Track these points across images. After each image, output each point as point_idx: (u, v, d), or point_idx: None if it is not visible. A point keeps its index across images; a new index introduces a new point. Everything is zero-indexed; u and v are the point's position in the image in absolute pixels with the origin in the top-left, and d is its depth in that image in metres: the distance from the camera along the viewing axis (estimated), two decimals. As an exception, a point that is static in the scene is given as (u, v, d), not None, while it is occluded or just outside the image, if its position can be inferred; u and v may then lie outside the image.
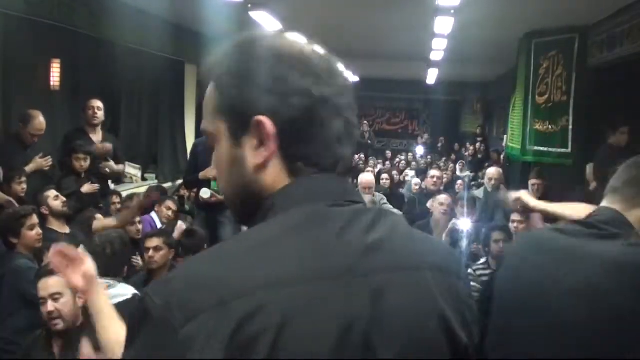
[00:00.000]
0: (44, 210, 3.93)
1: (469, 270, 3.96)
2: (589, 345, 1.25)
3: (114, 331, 1.55)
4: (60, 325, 2.42)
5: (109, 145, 4.90)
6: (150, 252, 3.42)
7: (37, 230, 3.37)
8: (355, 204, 0.79)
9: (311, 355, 0.66)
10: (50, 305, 2.43)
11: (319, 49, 0.84)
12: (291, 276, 0.69)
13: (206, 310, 0.65)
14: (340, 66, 0.84)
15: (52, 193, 3.97)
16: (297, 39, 0.84)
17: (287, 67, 0.77)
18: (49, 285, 2.47)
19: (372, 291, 0.72)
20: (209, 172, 4.54)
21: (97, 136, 4.95)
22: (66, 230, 3.99)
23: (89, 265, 1.65)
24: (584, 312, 1.27)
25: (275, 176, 0.78)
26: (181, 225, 4.82)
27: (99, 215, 4.19)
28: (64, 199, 4.00)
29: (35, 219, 3.38)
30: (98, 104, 4.91)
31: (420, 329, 0.74)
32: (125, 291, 2.97)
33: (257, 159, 0.77)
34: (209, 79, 0.82)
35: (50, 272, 2.51)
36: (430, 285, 0.77)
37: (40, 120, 4.38)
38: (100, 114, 4.93)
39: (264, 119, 0.75)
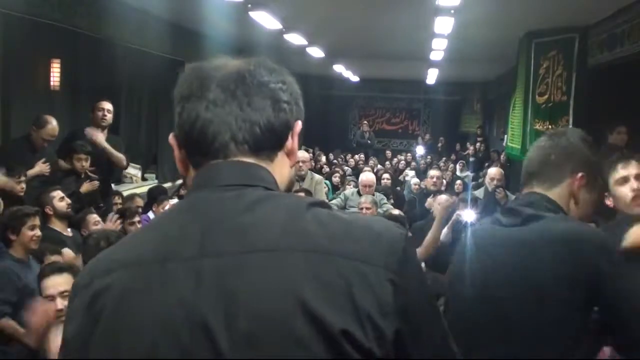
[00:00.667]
0: (48, 210, 3.94)
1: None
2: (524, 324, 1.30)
3: None
4: None
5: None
6: None
7: (36, 232, 3.37)
8: (245, 188, 0.81)
9: (144, 335, 0.72)
10: (60, 303, 2.41)
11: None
12: (137, 258, 0.77)
13: (84, 287, 0.79)
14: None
15: (58, 194, 3.97)
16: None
17: (185, 100, 0.90)
18: (58, 282, 2.46)
19: (217, 272, 0.73)
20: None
21: (101, 137, 4.94)
22: (69, 232, 4.00)
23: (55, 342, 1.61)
24: (518, 297, 1.31)
25: (191, 174, 0.87)
26: None
27: (94, 215, 4.19)
28: (69, 200, 4.00)
29: (37, 220, 3.38)
30: (108, 106, 4.89)
31: (269, 312, 0.70)
32: None
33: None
34: None
35: (60, 270, 2.51)
36: (293, 267, 0.73)
37: (53, 125, 4.39)
38: (110, 117, 4.89)
39: (170, 138, 0.93)
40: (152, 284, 0.74)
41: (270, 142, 0.84)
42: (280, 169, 0.87)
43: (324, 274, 0.72)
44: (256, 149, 0.83)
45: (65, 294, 2.44)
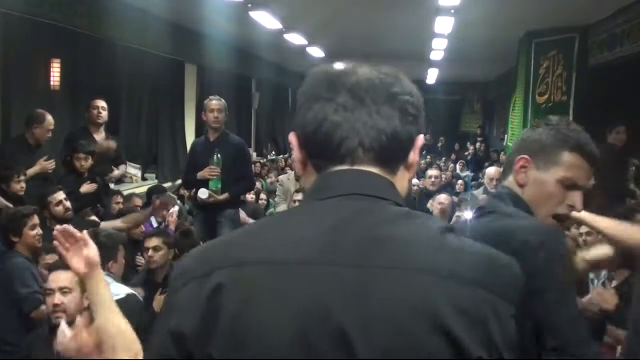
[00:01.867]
0: (45, 213, 3.93)
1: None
2: None
3: (114, 323, 1.54)
4: (61, 319, 2.41)
5: (112, 143, 4.90)
6: (150, 252, 3.42)
7: (38, 230, 3.37)
8: (378, 200, 0.81)
9: (276, 335, 0.71)
10: (58, 298, 2.42)
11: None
12: (268, 257, 0.76)
13: (195, 279, 0.77)
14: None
15: (55, 198, 3.93)
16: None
17: (314, 100, 0.85)
18: (60, 278, 2.47)
19: (356, 282, 0.73)
20: (207, 172, 4.53)
21: (100, 136, 4.95)
22: None
23: (93, 250, 1.62)
24: None
25: (309, 175, 0.87)
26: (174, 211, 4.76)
27: (91, 218, 4.19)
28: (68, 204, 3.99)
29: (36, 219, 3.38)
30: (102, 103, 4.92)
31: (406, 327, 0.72)
32: (119, 290, 2.97)
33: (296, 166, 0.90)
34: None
35: (64, 267, 2.52)
36: (431, 289, 0.74)
37: (50, 117, 4.44)
38: (105, 114, 4.94)
39: (291, 135, 0.88)
40: (286, 285, 0.73)
41: (395, 152, 0.84)
42: (401, 182, 0.87)
43: (460, 301, 0.74)
44: (381, 159, 0.83)
45: (65, 290, 2.44)
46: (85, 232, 1.73)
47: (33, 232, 3.33)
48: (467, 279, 0.75)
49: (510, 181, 1.46)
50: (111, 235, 3.22)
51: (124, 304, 2.92)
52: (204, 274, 0.76)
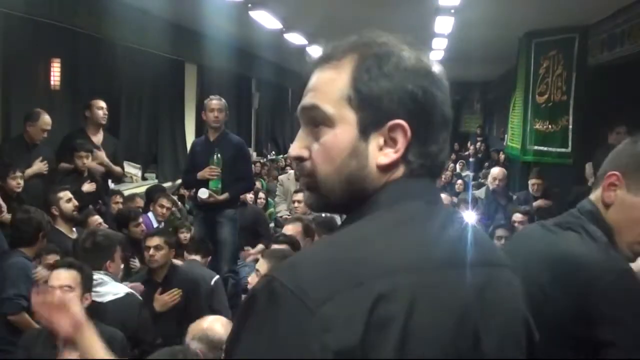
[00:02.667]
0: (54, 211, 3.95)
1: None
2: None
3: None
4: None
5: (101, 155, 4.85)
6: (151, 251, 3.42)
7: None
8: (435, 203, 0.85)
9: (435, 342, 0.71)
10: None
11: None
12: (415, 263, 0.74)
13: (342, 291, 0.68)
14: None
15: (66, 195, 3.97)
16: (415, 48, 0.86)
17: (425, 77, 0.82)
18: (62, 276, 2.49)
19: (477, 283, 0.77)
20: (207, 172, 4.53)
21: (97, 137, 4.93)
22: (74, 233, 4.00)
23: (76, 310, 1.58)
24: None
25: (390, 175, 0.82)
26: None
27: (96, 217, 4.20)
28: (76, 202, 4.01)
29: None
30: (102, 104, 4.90)
31: (512, 325, 0.81)
32: (117, 289, 2.97)
33: (384, 160, 0.81)
34: (325, 61, 0.86)
35: (69, 265, 2.54)
36: (515, 284, 0.84)
37: (47, 116, 4.42)
38: (105, 115, 4.92)
39: (404, 124, 0.80)
40: (438, 290, 0.74)
41: None
42: None
43: (522, 292, 0.86)
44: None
45: (66, 289, 2.45)
46: (59, 294, 1.70)
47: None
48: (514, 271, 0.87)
49: (597, 196, 1.32)
50: (108, 235, 3.21)
51: (123, 303, 2.93)
52: (355, 285, 0.69)
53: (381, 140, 0.81)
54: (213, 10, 6.61)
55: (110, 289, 2.94)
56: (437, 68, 0.85)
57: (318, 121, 0.82)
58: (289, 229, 3.50)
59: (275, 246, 3.37)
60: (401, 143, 0.80)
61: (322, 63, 0.86)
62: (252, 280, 2.65)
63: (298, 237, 3.34)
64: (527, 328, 0.83)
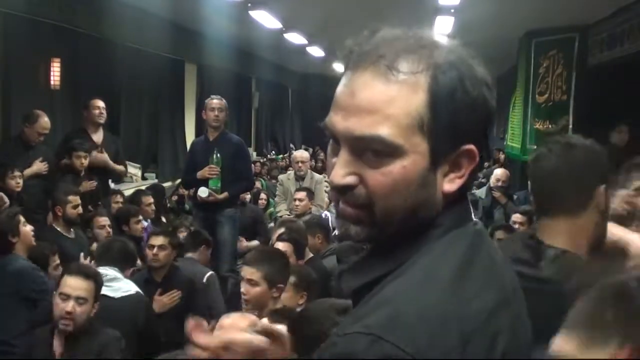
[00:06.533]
0: (57, 211, 3.94)
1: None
2: None
3: None
4: (70, 327, 2.41)
5: (103, 156, 4.83)
6: (155, 250, 3.41)
7: (29, 226, 3.30)
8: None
9: None
10: (71, 306, 2.40)
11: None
12: (496, 302, 0.71)
13: (452, 353, 0.64)
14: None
15: (75, 201, 3.96)
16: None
17: (488, 92, 0.75)
18: (79, 287, 2.44)
19: (523, 307, 0.79)
20: (206, 172, 4.54)
21: (98, 136, 4.92)
22: (71, 233, 4.00)
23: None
24: None
25: (451, 200, 0.75)
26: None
27: (103, 218, 4.20)
28: (81, 210, 4.01)
29: (21, 217, 3.27)
30: (101, 104, 4.88)
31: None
32: (128, 287, 3.00)
33: (450, 187, 0.74)
34: (385, 70, 0.71)
35: (87, 276, 2.49)
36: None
37: (45, 119, 4.39)
38: (104, 114, 4.90)
39: (474, 149, 0.73)
40: (516, 325, 0.74)
41: None
42: None
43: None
44: None
45: (81, 300, 2.42)
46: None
47: (27, 228, 3.26)
48: None
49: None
50: (125, 243, 3.28)
51: (133, 301, 2.95)
52: (462, 343, 0.66)
53: (447, 167, 0.73)
54: (213, 10, 6.61)
55: (123, 285, 2.97)
56: (490, 76, 0.77)
57: (378, 150, 0.70)
58: (280, 246, 3.24)
59: (278, 243, 3.33)
60: (466, 168, 0.74)
61: (377, 69, 0.71)
62: (248, 291, 2.48)
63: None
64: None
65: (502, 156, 10.14)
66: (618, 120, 5.42)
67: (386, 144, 0.69)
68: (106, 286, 2.74)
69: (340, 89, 0.74)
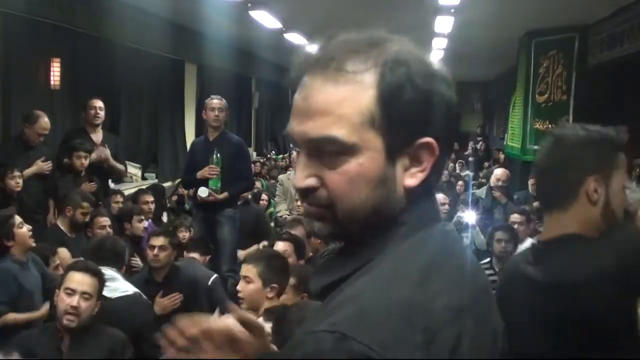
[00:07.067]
0: (67, 212, 3.98)
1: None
2: None
3: None
4: (74, 323, 2.41)
5: (106, 152, 4.83)
6: (155, 251, 3.41)
7: (27, 226, 3.21)
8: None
9: None
10: (76, 301, 2.40)
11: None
12: (464, 302, 0.70)
13: (419, 348, 0.63)
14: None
15: (87, 208, 3.99)
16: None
17: (445, 87, 0.75)
18: (85, 282, 2.45)
19: (488, 308, 0.78)
20: (206, 172, 4.54)
21: (97, 136, 4.92)
22: (73, 235, 4.01)
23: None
24: None
25: (415, 197, 0.75)
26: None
27: (104, 218, 4.20)
28: (88, 218, 4.03)
29: (18, 217, 3.19)
30: (99, 103, 4.86)
31: (499, 341, 0.79)
32: (126, 287, 3.00)
33: (412, 181, 0.74)
34: (334, 71, 0.72)
35: (92, 272, 2.49)
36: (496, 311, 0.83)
37: (45, 120, 4.38)
38: (102, 114, 4.88)
39: (432, 141, 0.73)
40: (481, 325, 0.72)
41: None
42: None
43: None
44: None
45: (86, 295, 2.42)
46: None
47: (23, 229, 3.17)
48: None
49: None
50: (117, 241, 3.27)
51: (132, 301, 2.95)
52: (427, 340, 0.65)
53: (407, 161, 0.73)
54: (213, 10, 6.61)
55: (120, 285, 2.97)
56: (448, 71, 0.77)
57: (333, 151, 0.71)
58: (280, 245, 3.29)
59: (278, 243, 3.35)
60: (427, 161, 0.73)
61: (326, 72, 0.73)
62: (243, 288, 2.53)
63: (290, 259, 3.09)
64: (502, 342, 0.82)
65: (502, 156, 10.14)
66: (617, 120, 5.41)
67: (340, 144, 0.71)
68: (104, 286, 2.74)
69: (296, 96, 0.77)
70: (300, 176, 0.74)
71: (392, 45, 0.74)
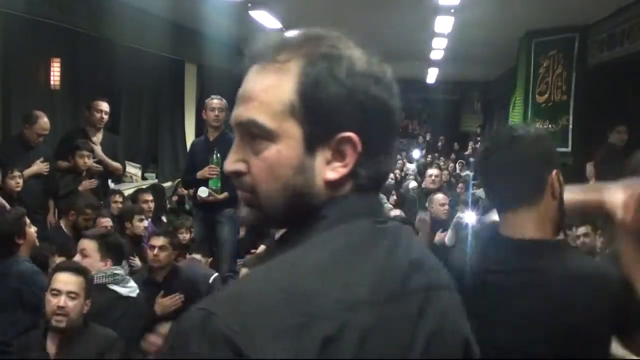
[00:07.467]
0: (71, 216, 3.99)
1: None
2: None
3: None
4: (62, 323, 2.41)
5: (97, 149, 4.81)
6: (156, 251, 3.41)
7: (34, 227, 3.33)
8: (390, 221, 0.78)
9: None
10: (63, 301, 2.40)
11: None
12: (364, 297, 0.68)
13: (288, 332, 0.62)
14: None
15: (90, 214, 4.02)
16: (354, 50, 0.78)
17: (374, 86, 0.75)
18: (70, 281, 2.45)
19: (419, 311, 0.73)
20: (206, 172, 4.54)
21: (97, 136, 4.92)
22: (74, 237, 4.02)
23: None
24: None
25: (337, 190, 0.75)
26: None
27: (106, 219, 4.20)
28: (91, 224, 4.04)
29: (26, 218, 3.28)
30: (106, 107, 4.81)
31: (449, 348, 0.75)
32: (134, 285, 3.01)
33: (332, 175, 0.74)
34: (265, 62, 0.75)
35: (76, 271, 2.50)
36: (454, 303, 0.80)
37: (44, 120, 4.38)
38: (106, 117, 4.87)
39: (354, 136, 0.73)
40: (388, 325, 0.69)
41: None
42: None
43: (459, 307, 0.81)
44: None
45: (72, 294, 2.42)
46: None
47: (32, 229, 3.29)
48: (451, 285, 0.81)
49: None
50: (116, 236, 3.27)
51: (135, 302, 2.95)
52: (301, 325, 0.63)
53: (328, 154, 0.73)
54: (213, 10, 6.62)
55: (129, 284, 2.99)
56: (387, 71, 0.78)
57: (256, 135, 0.74)
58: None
59: None
60: (350, 156, 0.73)
61: (260, 62, 0.76)
62: None
63: None
64: (466, 349, 0.78)
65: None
66: (617, 120, 5.42)
67: (260, 127, 0.73)
68: (123, 286, 2.84)
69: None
70: (229, 159, 0.77)
71: (327, 42, 0.75)
